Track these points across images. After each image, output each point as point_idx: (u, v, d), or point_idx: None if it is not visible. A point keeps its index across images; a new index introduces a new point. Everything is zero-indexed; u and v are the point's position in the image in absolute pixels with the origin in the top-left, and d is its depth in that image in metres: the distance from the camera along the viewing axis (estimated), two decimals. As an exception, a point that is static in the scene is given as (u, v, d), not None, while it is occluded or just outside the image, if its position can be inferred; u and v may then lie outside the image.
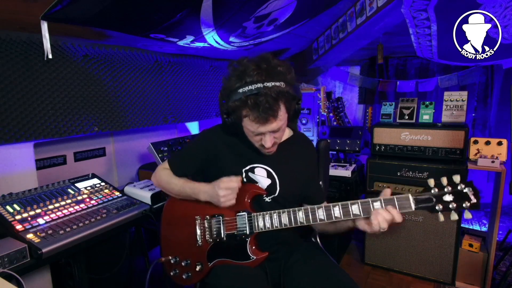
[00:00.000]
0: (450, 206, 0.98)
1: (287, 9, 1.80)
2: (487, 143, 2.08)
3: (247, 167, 1.27)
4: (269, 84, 1.04)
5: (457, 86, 3.16)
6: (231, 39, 1.99)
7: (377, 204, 1.04)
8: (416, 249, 2.32)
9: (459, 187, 0.98)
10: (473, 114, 3.26)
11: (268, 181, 1.27)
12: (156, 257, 1.38)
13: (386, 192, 1.06)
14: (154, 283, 1.95)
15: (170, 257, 1.33)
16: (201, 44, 2.02)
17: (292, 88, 1.10)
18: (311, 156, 1.40)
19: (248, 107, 1.05)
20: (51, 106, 1.75)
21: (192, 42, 1.93)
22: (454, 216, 0.99)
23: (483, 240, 2.30)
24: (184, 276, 1.29)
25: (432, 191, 1.00)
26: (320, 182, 1.43)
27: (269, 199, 1.28)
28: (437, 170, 2.19)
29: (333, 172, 2.48)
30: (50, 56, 1.37)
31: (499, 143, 2.05)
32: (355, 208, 1.06)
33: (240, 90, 1.06)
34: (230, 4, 1.54)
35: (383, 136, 2.36)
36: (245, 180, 1.27)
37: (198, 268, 1.25)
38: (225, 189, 1.14)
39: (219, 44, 2.05)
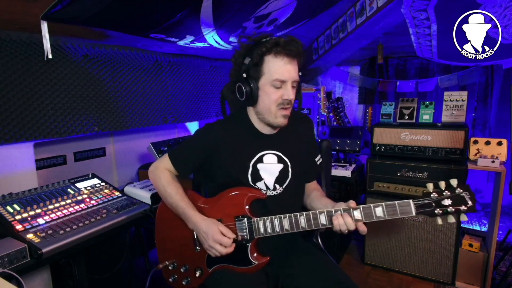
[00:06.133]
0: (449, 209, 1.01)
1: (287, 9, 1.80)
2: (487, 143, 2.08)
3: (255, 158, 1.22)
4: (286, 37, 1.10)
5: (457, 86, 3.16)
6: (231, 39, 1.99)
7: (378, 210, 1.04)
8: (416, 249, 2.32)
9: (457, 191, 1.00)
10: (473, 114, 3.26)
11: (280, 166, 1.24)
12: (156, 257, 1.37)
13: (350, 204, 1.07)
14: (155, 284, 1.96)
15: (168, 262, 1.28)
16: (201, 44, 2.02)
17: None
18: (309, 131, 1.39)
19: (279, 45, 1.08)
20: (51, 106, 1.75)
21: (192, 42, 1.93)
22: (451, 219, 1.02)
23: (483, 240, 2.30)
24: (184, 282, 1.26)
25: (432, 195, 1.02)
26: (319, 157, 1.39)
27: (273, 193, 1.24)
28: (437, 170, 2.19)
29: (333, 172, 2.47)
30: (50, 56, 1.37)
31: (499, 143, 2.05)
32: (357, 214, 1.05)
33: (264, 40, 1.11)
34: (230, 4, 1.54)
35: (383, 136, 2.36)
36: (250, 179, 1.22)
37: (198, 273, 1.22)
38: (216, 242, 1.11)
39: (219, 44, 2.05)
